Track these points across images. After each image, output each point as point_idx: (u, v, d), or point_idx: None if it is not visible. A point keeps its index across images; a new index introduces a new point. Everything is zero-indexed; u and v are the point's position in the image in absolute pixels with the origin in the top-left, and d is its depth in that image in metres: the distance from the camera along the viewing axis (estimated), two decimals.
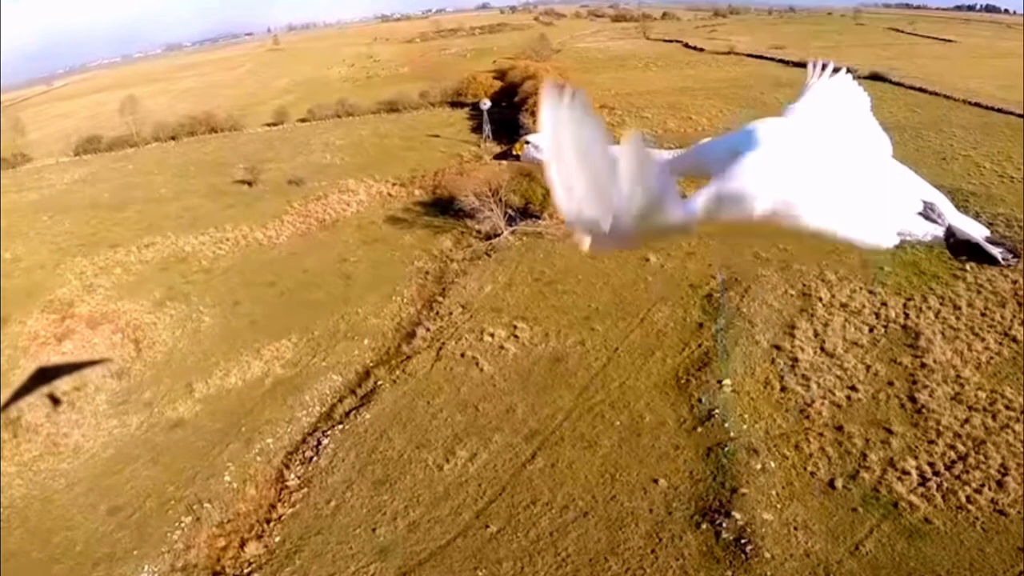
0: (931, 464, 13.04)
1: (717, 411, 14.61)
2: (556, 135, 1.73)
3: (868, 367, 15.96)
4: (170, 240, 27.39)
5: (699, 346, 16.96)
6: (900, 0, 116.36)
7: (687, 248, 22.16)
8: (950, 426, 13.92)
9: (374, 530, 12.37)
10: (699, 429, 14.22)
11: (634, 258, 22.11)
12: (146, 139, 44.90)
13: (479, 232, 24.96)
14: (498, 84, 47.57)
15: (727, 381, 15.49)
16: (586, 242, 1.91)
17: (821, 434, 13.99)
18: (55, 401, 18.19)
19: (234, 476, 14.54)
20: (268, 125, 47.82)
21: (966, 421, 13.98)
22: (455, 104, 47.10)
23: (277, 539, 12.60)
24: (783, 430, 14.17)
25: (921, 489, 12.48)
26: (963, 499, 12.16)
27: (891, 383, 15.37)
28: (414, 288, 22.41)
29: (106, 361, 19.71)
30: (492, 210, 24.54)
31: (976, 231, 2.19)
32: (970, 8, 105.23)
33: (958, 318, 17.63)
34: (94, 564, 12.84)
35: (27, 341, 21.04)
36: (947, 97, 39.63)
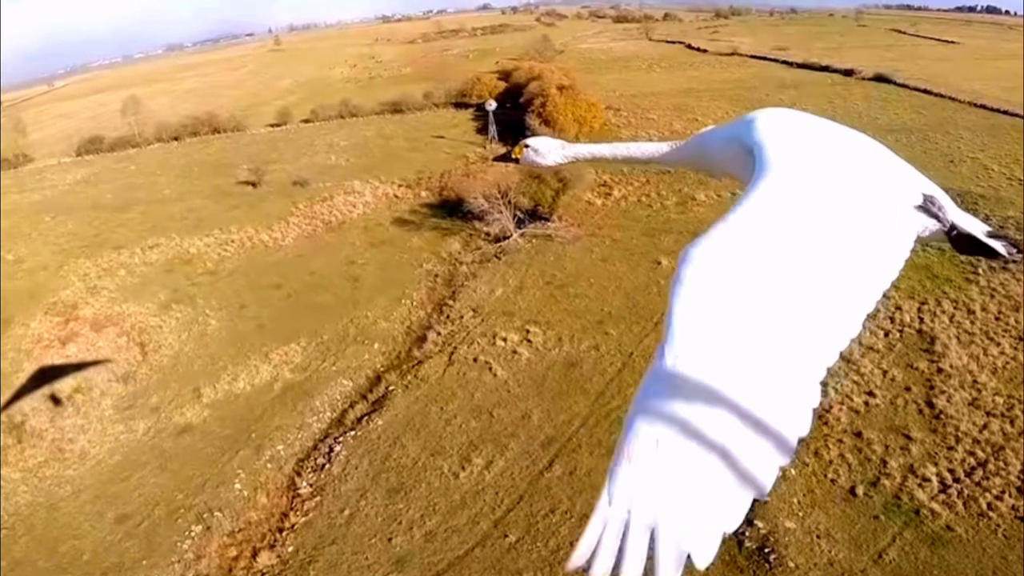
0: (951, 471, 12.91)
1: None
2: None
3: (885, 372, 15.82)
4: (174, 242, 27.14)
5: None
6: (901, 1, 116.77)
7: None
8: (968, 432, 13.79)
9: (390, 540, 12.14)
10: None
11: (645, 261, 21.95)
12: (148, 140, 44.67)
13: (488, 234, 24.78)
14: (502, 85, 47.44)
15: None
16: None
17: (840, 440, 13.84)
18: (56, 401, 17.93)
19: (244, 484, 14.29)
20: (271, 126, 47.63)
21: (984, 427, 13.85)
22: (459, 105, 46.95)
23: (290, 549, 12.36)
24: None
25: (942, 496, 12.34)
26: (984, 506, 12.02)
27: (908, 388, 15.24)
28: (423, 291, 22.20)
29: (107, 362, 19.45)
30: (501, 212, 24.35)
31: (976, 226, 2.16)
32: (971, 9, 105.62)
33: (972, 322, 17.53)
34: (102, 574, 12.59)
35: (30, 344, 20.76)
36: (952, 99, 39.62)
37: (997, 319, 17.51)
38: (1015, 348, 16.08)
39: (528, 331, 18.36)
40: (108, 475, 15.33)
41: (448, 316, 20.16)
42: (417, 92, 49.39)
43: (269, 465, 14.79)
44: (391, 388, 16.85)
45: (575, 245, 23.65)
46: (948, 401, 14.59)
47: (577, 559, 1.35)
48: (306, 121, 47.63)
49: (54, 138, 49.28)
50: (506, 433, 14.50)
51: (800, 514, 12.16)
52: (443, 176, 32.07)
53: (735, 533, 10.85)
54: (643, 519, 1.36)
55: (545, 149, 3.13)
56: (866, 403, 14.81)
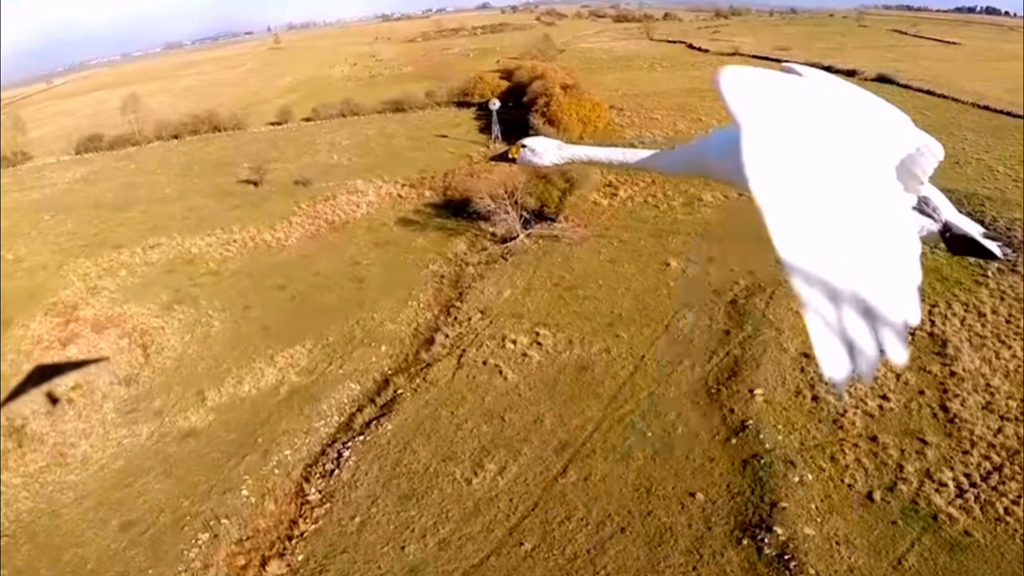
0: (967, 475, 12.80)
1: (750, 422, 14.27)
2: None
3: (898, 376, 15.69)
4: (176, 241, 26.77)
5: (727, 354, 16.62)
6: (901, 2, 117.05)
7: (708, 253, 21.85)
8: (983, 436, 13.69)
9: (403, 548, 11.90)
10: (733, 440, 13.87)
11: (654, 263, 21.77)
12: (148, 138, 44.21)
13: (494, 235, 24.53)
14: (505, 84, 47.18)
15: (759, 391, 15.16)
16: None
17: (856, 445, 13.71)
18: (57, 404, 17.58)
19: (252, 490, 14.00)
20: (272, 124, 47.24)
21: (999, 431, 13.75)
22: (461, 104, 46.67)
23: (300, 557, 12.10)
24: (817, 441, 13.87)
25: (959, 501, 12.23)
26: (1001, 511, 11.92)
27: (922, 392, 15.13)
28: (430, 292, 21.93)
29: (109, 363, 19.10)
30: (508, 213, 24.10)
31: (972, 227, 2.18)
32: (971, 10, 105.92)
33: (983, 325, 17.45)
34: None
35: (30, 345, 20.40)
36: (955, 100, 39.59)
37: (1008, 322, 17.43)
38: None
39: (538, 333, 18.14)
40: (111, 481, 15.01)
41: (456, 318, 19.91)
42: (418, 91, 49.05)
43: (276, 471, 14.51)
44: (400, 392, 16.59)
45: (582, 246, 23.44)
46: (962, 405, 14.49)
47: (831, 370, 1.48)
48: (307, 120, 47.27)
49: (53, 136, 48.71)
50: (518, 438, 14.27)
51: (819, 520, 12.02)
52: (446, 176, 31.80)
53: (755, 539, 10.53)
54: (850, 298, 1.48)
55: (542, 149, 3.11)
56: (880, 407, 14.69)
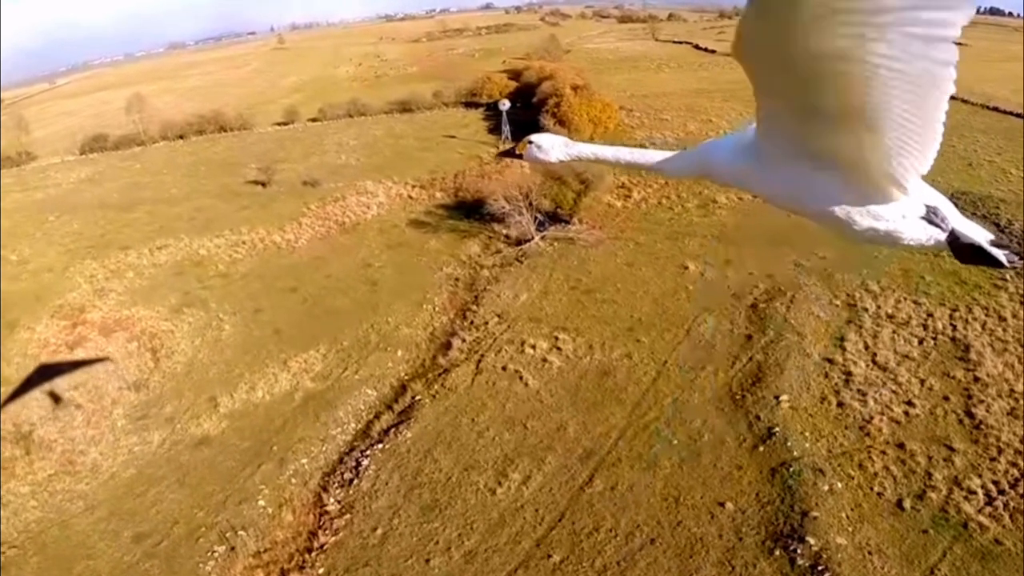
0: (995, 482, 12.58)
1: (777, 429, 14.02)
2: None
3: (922, 381, 15.49)
4: (184, 242, 26.43)
5: (750, 359, 16.36)
6: None
7: (725, 256, 21.60)
8: (1010, 442, 13.46)
9: (427, 561, 11.60)
10: (760, 448, 13.62)
11: (672, 266, 21.51)
12: (153, 138, 43.89)
13: (508, 237, 24.25)
14: (513, 84, 46.94)
15: (784, 397, 14.91)
16: None
17: (883, 452, 13.48)
18: (64, 409, 17.25)
19: (268, 500, 13.68)
20: (278, 124, 46.93)
21: None
22: (469, 104, 46.40)
23: (321, 571, 11.80)
24: (845, 448, 13.63)
25: (988, 509, 12.01)
26: None
27: (947, 398, 14.90)
28: (445, 296, 21.62)
29: (117, 367, 18.77)
30: (522, 214, 23.83)
31: (980, 235, 2.17)
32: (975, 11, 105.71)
33: (1004, 330, 17.24)
34: None
35: (37, 349, 20.06)
36: (965, 101, 39.38)
37: None
38: None
39: (557, 338, 17.85)
40: (123, 490, 14.68)
41: (472, 322, 19.61)
42: (425, 91, 48.78)
43: (293, 480, 14.19)
44: (418, 398, 16.29)
45: (598, 249, 23.17)
46: (987, 411, 14.27)
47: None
48: (313, 120, 46.98)
49: (57, 136, 48.32)
50: (542, 446, 13.99)
51: (850, 529, 11.78)
52: (457, 177, 31.51)
53: (787, 550, 10.17)
54: None
55: (548, 145, 3.06)
56: (906, 413, 14.47)
